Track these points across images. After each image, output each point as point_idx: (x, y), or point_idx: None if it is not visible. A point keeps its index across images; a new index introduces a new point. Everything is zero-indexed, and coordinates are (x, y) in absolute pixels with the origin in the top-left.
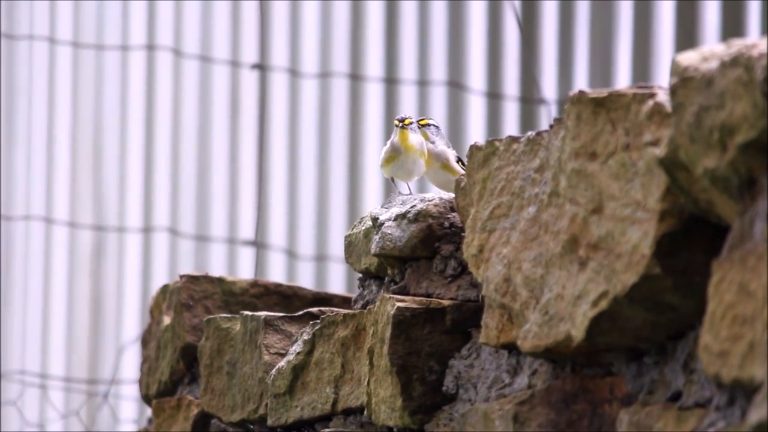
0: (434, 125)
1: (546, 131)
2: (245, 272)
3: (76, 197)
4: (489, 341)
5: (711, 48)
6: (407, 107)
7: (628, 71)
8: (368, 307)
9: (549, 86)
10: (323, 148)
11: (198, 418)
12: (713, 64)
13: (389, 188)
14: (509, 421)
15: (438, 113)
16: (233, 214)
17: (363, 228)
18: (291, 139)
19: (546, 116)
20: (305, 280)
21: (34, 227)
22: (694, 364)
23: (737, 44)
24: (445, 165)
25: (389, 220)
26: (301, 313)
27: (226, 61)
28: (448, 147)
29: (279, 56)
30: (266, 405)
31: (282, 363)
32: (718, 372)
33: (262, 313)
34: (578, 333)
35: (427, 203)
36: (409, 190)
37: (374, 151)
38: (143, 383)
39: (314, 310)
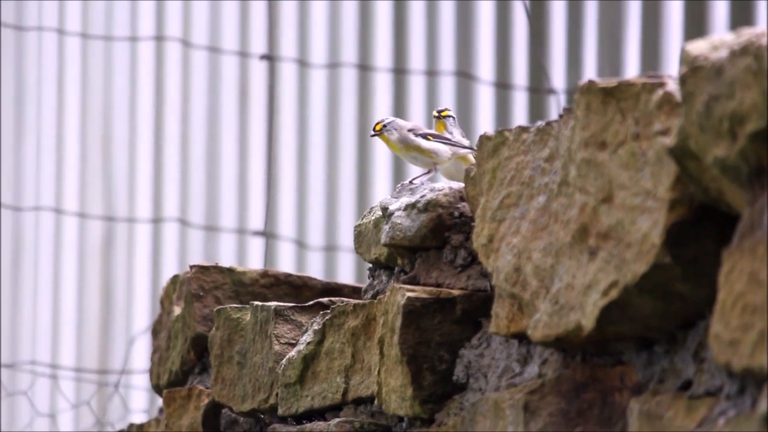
0: (452, 116)
1: (555, 121)
2: (255, 263)
3: (85, 188)
4: (499, 331)
5: (720, 37)
6: (416, 98)
7: (637, 61)
8: (378, 297)
9: (558, 76)
10: (332, 139)
11: (208, 407)
12: (723, 53)
13: (399, 178)
14: (520, 410)
15: (447, 103)
16: (242, 204)
17: (373, 218)
18: (300, 129)
19: (555, 106)
20: (315, 271)
21: (43, 218)
22: (704, 353)
23: (747, 33)
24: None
25: (399, 209)
26: (311, 303)
27: (235, 51)
28: (463, 137)
29: (288, 47)
30: (277, 395)
31: (292, 353)
32: (728, 361)
33: (273, 303)
34: (588, 322)
35: (437, 193)
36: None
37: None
38: (154, 373)
39: (324, 300)
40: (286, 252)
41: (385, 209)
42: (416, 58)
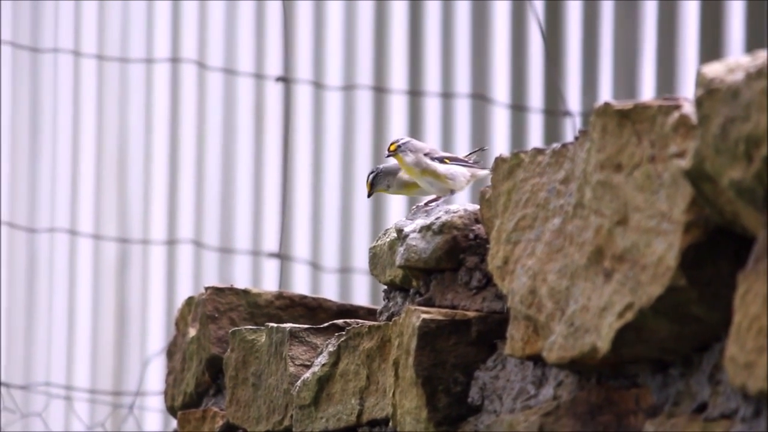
0: (399, 144)
1: (571, 143)
2: (269, 284)
3: (100, 210)
4: (514, 353)
5: (736, 59)
6: (431, 120)
7: (652, 83)
8: (393, 319)
9: (573, 98)
10: (347, 161)
11: (223, 429)
12: (739, 76)
13: (414, 200)
14: None
15: (462, 125)
16: (257, 226)
17: (388, 240)
18: (315, 151)
19: (570, 128)
20: (329, 293)
21: (58, 239)
22: (719, 375)
23: (763, 55)
24: (425, 171)
25: (414, 231)
26: (326, 324)
27: (251, 73)
28: (418, 152)
29: (303, 69)
30: (291, 416)
31: (307, 374)
32: (744, 383)
33: (288, 325)
34: (604, 344)
35: (452, 215)
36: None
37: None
38: (168, 395)
39: (339, 321)
40: (300, 274)
41: (400, 231)
42: (432, 80)
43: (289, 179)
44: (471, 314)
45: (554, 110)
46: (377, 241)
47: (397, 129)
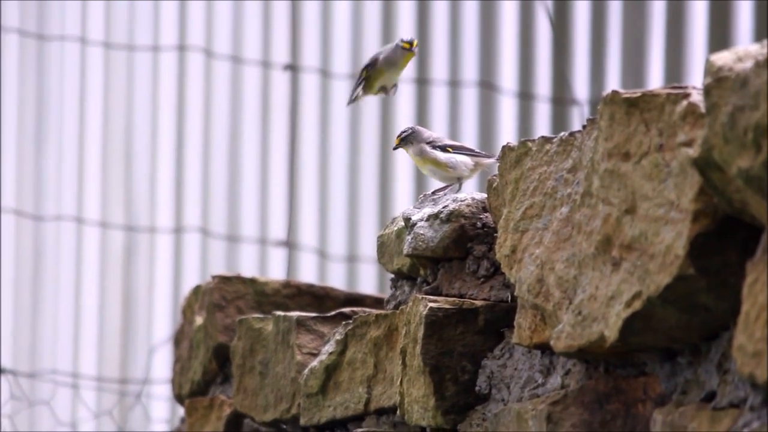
0: (405, 136)
1: (579, 132)
2: (276, 273)
3: (107, 197)
4: (522, 341)
5: (745, 48)
6: (439, 108)
7: (660, 71)
8: (401, 308)
9: (581, 86)
10: (354, 149)
11: (230, 417)
12: (748, 64)
13: (421, 188)
14: (542, 421)
15: (469, 114)
16: (264, 214)
17: (395, 228)
18: (322, 139)
19: (578, 117)
20: (336, 281)
21: (65, 227)
22: (728, 364)
23: None
24: (426, 159)
25: (422, 220)
26: (333, 313)
27: (258, 61)
28: (422, 141)
29: (310, 57)
30: (299, 405)
31: (314, 363)
32: (752, 372)
33: (295, 314)
34: (611, 333)
35: (459, 203)
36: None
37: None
38: (176, 383)
39: (346, 310)
40: (308, 262)
41: (407, 220)
42: (439, 68)
43: (296, 167)
44: (478, 303)
45: (562, 98)
46: (385, 229)
47: (404, 117)
